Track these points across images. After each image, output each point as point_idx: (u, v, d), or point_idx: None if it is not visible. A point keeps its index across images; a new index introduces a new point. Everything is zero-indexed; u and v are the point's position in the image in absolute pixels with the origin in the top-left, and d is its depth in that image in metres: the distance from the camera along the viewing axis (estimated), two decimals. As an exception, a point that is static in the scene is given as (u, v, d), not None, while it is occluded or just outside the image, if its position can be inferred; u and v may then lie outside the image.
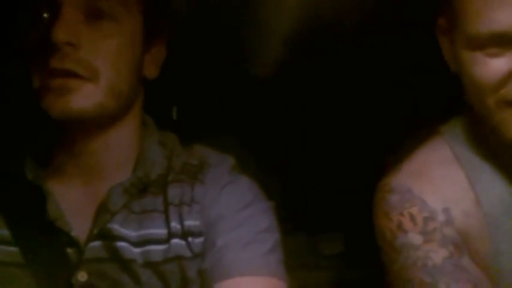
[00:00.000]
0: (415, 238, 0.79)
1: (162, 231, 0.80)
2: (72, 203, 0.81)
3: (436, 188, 0.81)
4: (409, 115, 1.37)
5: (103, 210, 0.79)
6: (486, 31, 0.72)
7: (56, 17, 0.73)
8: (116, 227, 0.79)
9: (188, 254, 0.79)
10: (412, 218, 0.80)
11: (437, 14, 0.82)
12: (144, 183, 0.82)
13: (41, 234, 0.79)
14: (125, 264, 0.78)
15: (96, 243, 0.78)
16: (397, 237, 0.80)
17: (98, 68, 0.75)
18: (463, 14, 0.75)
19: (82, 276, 0.77)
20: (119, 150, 0.83)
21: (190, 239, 0.79)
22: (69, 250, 0.78)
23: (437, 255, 0.78)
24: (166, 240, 0.79)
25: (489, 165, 0.82)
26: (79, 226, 0.79)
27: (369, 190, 0.89)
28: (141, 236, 0.79)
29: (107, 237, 0.78)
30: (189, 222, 0.80)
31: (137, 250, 0.78)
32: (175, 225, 0.80)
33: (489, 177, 0.81)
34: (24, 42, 0.77)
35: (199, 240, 0.80)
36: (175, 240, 0.79)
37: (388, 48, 1.43)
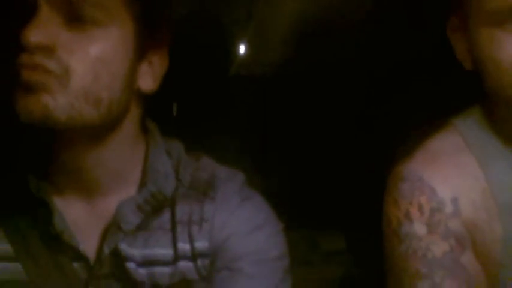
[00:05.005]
0: (419, 228, 0.80)
1: (167, 252, 0.77)
2: (74, 217, 0.77)
3: (447, 176, 0.82)
4: (412, 112, 1.37)
5: (114, 229, 0.76)
6: (507, 4, 0.72)
7: (31, 18, 0.68)
8: (124, 247, 0.76)
9: (195, 276, 0.77)
10: (420, 207, 0.81)
11: (448, 14, 0.83)
12: (159, 200, 0.78)
13: (45, 249, 0.76)
14: (133, 285, 0.76)
15: (105, 261, 0.76)
16: (402, 225, 0.81)
17: (70, 66, 0.69)
18: None
19: None
20: (116, 165, 0.78)
21: (200, 260, 0.77)
22: (76, 265, 0.76)
23: (438, 248, 0.78)
24: (172, 262, 0.77)
25: (501, 154, 0.83)
26: (84, 241, 0.76)
27: (370, 187, 0.90)
28: (146, 255, 0.77)
29: (116, 256, 0.76)
30: (199, 244, 0.77)
31: (143, 271, 0.76)
32: (183, 245, 0.77)
33: (501, 165, 0.82)
34: None
35: (207, 261, 0.77)
36: (182, 263, 0.77)
37: (391, 45, 1.43)
